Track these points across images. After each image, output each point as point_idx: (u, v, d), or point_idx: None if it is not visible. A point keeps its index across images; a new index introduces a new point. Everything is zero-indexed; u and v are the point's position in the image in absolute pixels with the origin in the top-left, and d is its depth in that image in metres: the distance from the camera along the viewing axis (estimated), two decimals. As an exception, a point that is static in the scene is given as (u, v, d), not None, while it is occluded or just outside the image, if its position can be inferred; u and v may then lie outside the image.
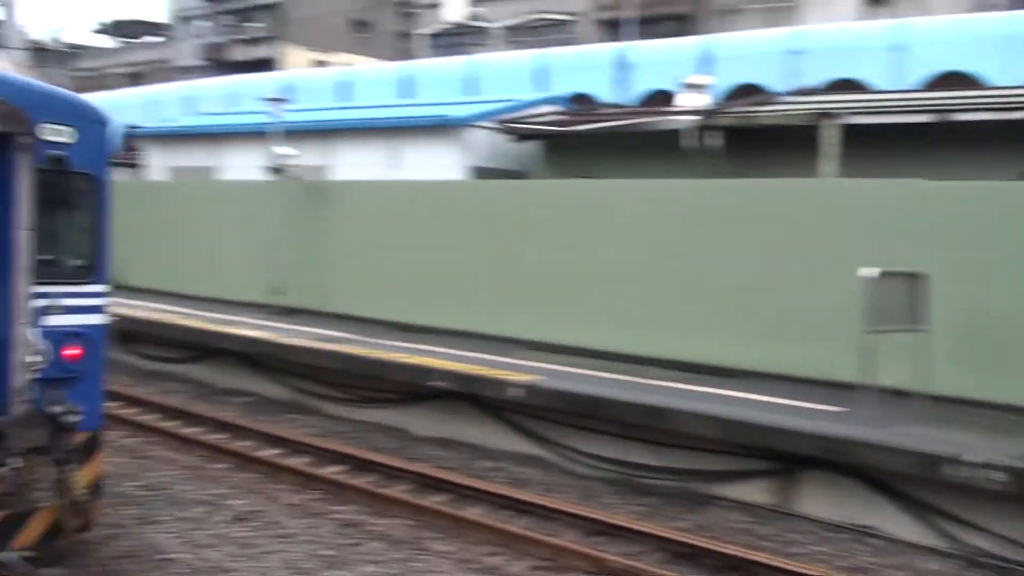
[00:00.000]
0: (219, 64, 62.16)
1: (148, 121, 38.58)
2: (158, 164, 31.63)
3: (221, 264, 23.17)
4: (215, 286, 23.10)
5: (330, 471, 12.68)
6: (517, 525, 10.74)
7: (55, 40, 71.11)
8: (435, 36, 51.60)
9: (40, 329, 8.48)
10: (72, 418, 8.42)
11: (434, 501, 11.51)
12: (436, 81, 32.57)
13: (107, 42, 77.43)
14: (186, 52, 65.83)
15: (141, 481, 11.94)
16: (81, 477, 8.60)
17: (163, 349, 19.81)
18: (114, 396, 16.83)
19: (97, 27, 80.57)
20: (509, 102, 25.33)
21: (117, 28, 77.32)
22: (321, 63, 56.85)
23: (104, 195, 9.02)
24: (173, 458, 13.31)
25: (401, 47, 61.21)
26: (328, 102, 32.34)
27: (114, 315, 10.37)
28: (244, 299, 21.88)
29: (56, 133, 8.55)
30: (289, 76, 38.47)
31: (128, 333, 20.27)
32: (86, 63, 73.60)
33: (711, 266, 15.04)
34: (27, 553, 8.44)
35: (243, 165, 26.71)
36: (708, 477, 12.09)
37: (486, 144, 23.28)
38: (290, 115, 23.20)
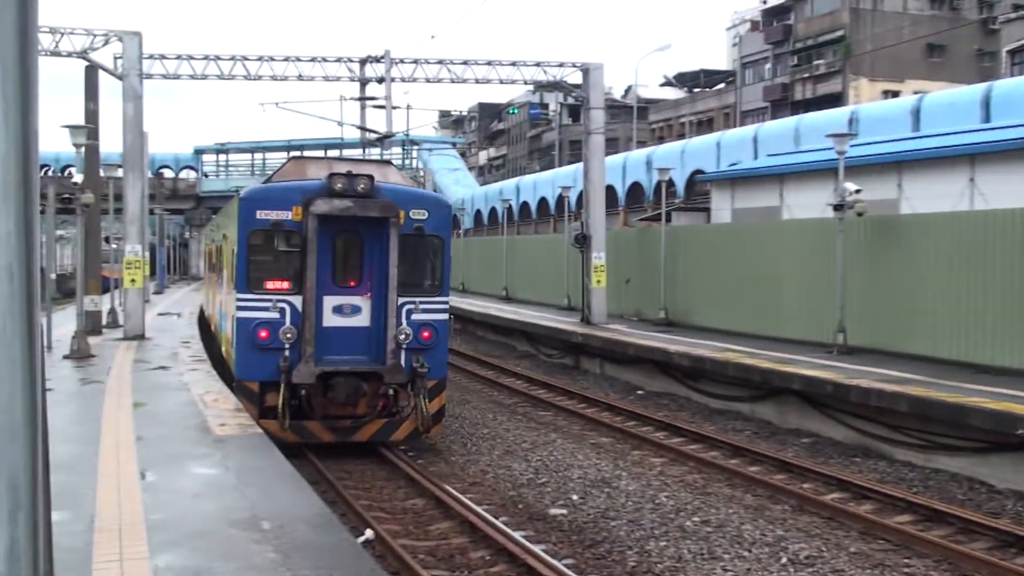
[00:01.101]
0: (783, 104, 62.89)
1: (715, 166, 40.08)
2: (723, 207, 32.72)
3: (781, 303, 23.27)
4: (775, 324, 23.24)
5: (898, 520, 12.07)
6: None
7: (628, 95, 76.89)
8: (1018, 52, 47.53)
9: (407, 321, 15.34)
10: (423, 370, 15.31)
11: (1021, 563, 10.44)
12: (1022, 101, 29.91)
13: (675, 93, 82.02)
14: (750, 96, 67.59)
15: (702, 516, 12.29)
16: (430, 405, 15.51)
17: (728, 387, 20.30)
18: (678, 432, 17.73)
19: (663, 80, 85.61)
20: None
21: (682, 79, 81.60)
22: (891, 93, 55.05)
23: (446, 246, 15.95)
24: (735, 496, 13.51)
25: (981, 68, 57.30)
26: (896, 133, 31.16)
27: (454, 311, 17.16)
28: (803, 337, 21.79)
29: (417, 213, 15.48)
30: (853, 110, 37.69)
31: (694, 372, 21.22)
32: (657, 115, 78.61)
33: None
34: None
35: (807, 204, 26.66)
36: None
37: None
38: (855, 149, 22.72)
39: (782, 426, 18.32)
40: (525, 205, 61.65)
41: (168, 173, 78.22)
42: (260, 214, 15.04)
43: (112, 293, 32.88)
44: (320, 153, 66.80)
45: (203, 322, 27.50)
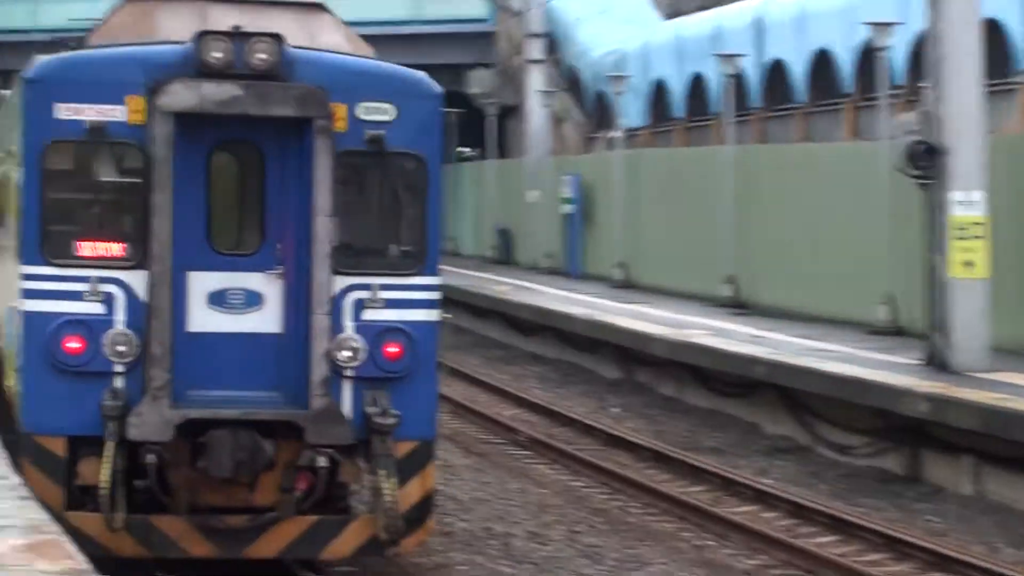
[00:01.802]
0: None
1: None
2: None
3: None
4: None
5: None
6: None
7: None
8: None
9: (354, 322, 17.07)
10: (386, 420, 16.81)
11: None
12: None
13: None
14: None
15: None
16: (404, 492, 16.96)
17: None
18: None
19: None
20: None
21: None
22: None
23: (432, 176, 17.55)
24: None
25: None
26: None
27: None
28: None
29: (373, 111, 17.18)
30: None
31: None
32: None
33: None
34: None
35: None
36: None
37: None
38: None
39: None
40: (777, 68, 60.77)
41: None
42: (63, 111, 16.76)
43: None
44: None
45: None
